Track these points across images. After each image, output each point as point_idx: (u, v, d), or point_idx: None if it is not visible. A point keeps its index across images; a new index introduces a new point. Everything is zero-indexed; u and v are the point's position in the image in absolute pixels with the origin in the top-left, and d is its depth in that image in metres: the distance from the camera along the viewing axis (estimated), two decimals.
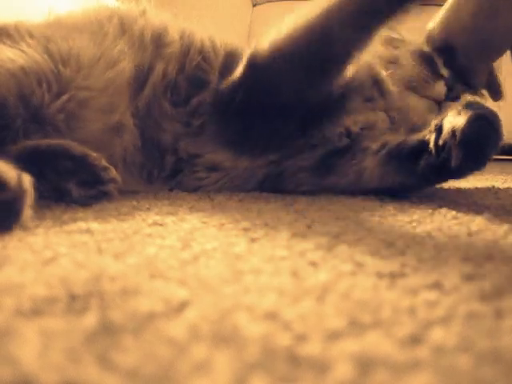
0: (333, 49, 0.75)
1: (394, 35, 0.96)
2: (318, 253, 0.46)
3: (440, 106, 0.89)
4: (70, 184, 0.66)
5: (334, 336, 0.29)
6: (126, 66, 0.78)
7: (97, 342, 0.28)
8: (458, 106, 0.72)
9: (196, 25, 0.89)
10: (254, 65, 0.78)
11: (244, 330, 0.30)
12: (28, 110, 0.69)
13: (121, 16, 0.83)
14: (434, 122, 0.73)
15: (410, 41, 0.97)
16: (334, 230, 0.54)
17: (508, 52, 0.94)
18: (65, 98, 0.71)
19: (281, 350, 0.28)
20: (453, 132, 0.68)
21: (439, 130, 0.71)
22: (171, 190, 0.83)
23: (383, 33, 0.82)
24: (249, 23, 2.36)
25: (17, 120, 0.68)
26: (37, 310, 0.32)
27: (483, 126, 0.68)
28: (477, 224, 0.59)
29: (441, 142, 0.70)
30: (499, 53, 0.94)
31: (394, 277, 0.39)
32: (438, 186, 0.84)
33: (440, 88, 0.89)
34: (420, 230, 0.55)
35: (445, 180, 0.80)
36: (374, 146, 0.81)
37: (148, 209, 0.65)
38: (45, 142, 0.69)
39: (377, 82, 0.88)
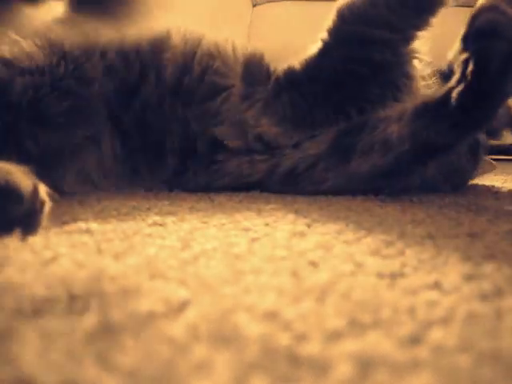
0: None
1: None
2: (318, 253, 0.46)
3: None
4: None
5: (334, 336, 0.29)
6: (109, 82, 0.81)
7: (97, 341, 0.28)
8: None
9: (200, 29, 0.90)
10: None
11: (244, 329, 0.30)
12: (36, 111, 0.73)
13: None
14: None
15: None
16: (334, 229, 0.54)
17: None
18: (67, 103, 0.75)
19: (281, 350, 0.28)
20: (465, 36, 0.68)
21: (465, 61, 0.69)
22: (171, 190, 0.83)
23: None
24: (249, 23, 2.36)
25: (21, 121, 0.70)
26: (37, 310, 0.32)
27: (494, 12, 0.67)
28: (477, 224, 0.59)
29: (463, 56, 0.68)
30: None
31: (394, 277, 0.39)
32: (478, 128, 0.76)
33: (442, 89, 0.87)
34: (420, 230, 0.55)
35: (484, 107, 0.71)
36: (395, 113, 0.76)
37: (148, 209, 0.65)
38: None
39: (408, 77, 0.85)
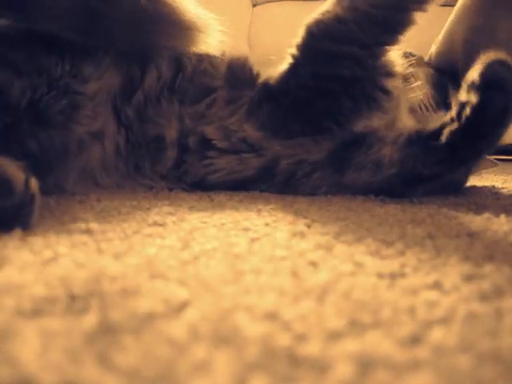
0: None
1: (411, 50, 0.95)
2: (318, 253, 0.46)
3: None
4: None
5: (334, 336, 0.29)
6: (111, 79, 0.82)
7: (97, 342, 0.28)
8: None
9: None
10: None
11: (244, 330, 0.30)
12: (35, 112, 0.73)
13: None
14: (455, 99, 0.72)
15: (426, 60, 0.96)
16: (334, 229, 0.54)
17: None
18: (65, 101, 0.75)
19: (281, 350, 0.28)
20: (471, 82, 0.68)
21: (462, 104, 0.70)
22: (171, 189, 0.83)
23: (401, 48, 0.83)
24: (249, 23, 2.36)
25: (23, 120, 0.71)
26: (37, 310, 0.32)
27: (502, 66, 0.67)
28: (477, 224, 0.59)
29: (462, 98, 0.69)
30: None
31: (394, 277, 0.39)
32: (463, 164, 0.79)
33: (436, 120, 0.86)
34: (420, 230, 0.55)
35: (472, 148, 0.75)
36: (392, 134, 0.79)
37: (148, 209, 0.65)
38: None
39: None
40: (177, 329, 0.30)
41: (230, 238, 0.51)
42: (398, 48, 0.82)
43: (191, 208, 0.67)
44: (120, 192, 0.79)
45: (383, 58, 0.82)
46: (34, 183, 0.52)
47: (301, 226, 0.56)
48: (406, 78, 0.89)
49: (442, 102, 0.90)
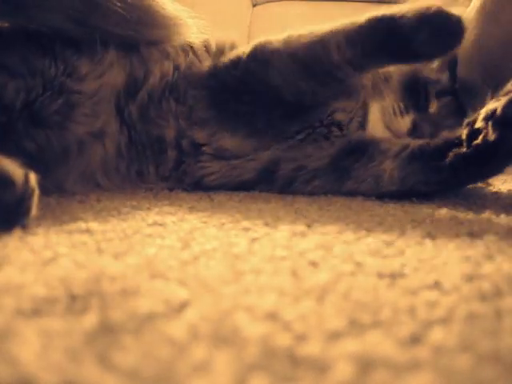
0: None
1: None
2: (318, 253, 0.46)
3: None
4: None
5: (334, 336, 0.29)
6: (114, 77, 0.82)
7: (97, 342, 0.28)
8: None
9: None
10: (259, 51, 0.81)
11: (244, 330, 0.30)
12: (30, 113, 0.72)
13: None
14: (466, 121, 0.71)
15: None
16: (334, 229, 0.54)
17: None
18: (60, 101, 0.75)
19: (281, 350, 0.28)
20: (492, 112, 0.66)
21: (472, 123, 0.69)
22: (171, 189, 0.83)
23: None
24: (249, 23, 2.36)
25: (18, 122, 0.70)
26: (37, 310, 0.32)
27: None
28: (477, 224, 0.59)
29: (477, 125, 0.68)
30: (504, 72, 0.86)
31: (393, 277, 0.39)
32: (464, 186, 0.79)
33: (403, 124, 0.86)
34: (420, 230, 0.55)
35: (474, 175, 0.75)
36: (395, 148, 0.78)
37: (148, 209, 0.65)
38: None
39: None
40: (177, 329, 0.30)
41: (230, 238, 0.51)
42: None
43: (191, 208, 0.67)
44: (120, 192, 0.79)
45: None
46: (33, 178, 0.53)
47: (301, 225, 0.56)
48: (384, 78, 0.88)
49: (413, 105, 0.87)
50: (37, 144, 0.74)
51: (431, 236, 0.52)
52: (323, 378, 0.25)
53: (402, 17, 0.70)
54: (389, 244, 0.49)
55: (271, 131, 0.84)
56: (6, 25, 0.78)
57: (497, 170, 0.73)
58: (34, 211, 0.52)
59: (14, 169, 0.52)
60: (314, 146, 0.83)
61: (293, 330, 0.30)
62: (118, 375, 0.25)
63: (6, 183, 0.50)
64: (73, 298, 0.34)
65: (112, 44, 0.82)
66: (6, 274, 0.38)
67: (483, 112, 0.68)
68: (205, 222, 0.58)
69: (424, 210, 0.68)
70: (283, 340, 0.29)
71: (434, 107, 0.87)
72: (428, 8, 0.69)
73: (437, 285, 0.38)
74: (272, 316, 0.32)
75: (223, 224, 0.57)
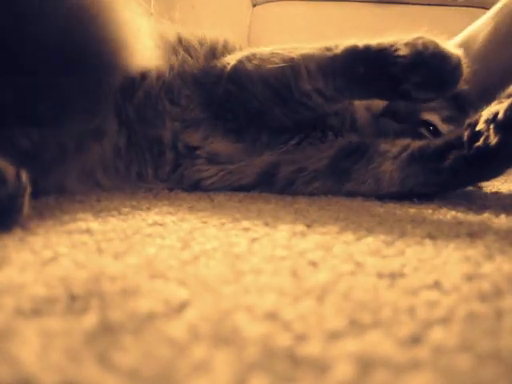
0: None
1: None
2: (318, 253, 0.46)
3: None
4: None
5: (334, 336, 0.29)
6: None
7: (97, 342, 0.28)
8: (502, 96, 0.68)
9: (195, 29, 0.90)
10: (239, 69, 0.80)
11: (244, 330, 0.30)
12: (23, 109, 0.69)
13: None
14: (467, 121, 0.71)
15: None
16: (334, 229, 0.54)
17: None
18: (52, 97, 0.71)
19: (281, 350, 0.28)
20: (493, 115, 0.65)
21: (473, 125, 0.69)
22: (171, 189, 0.83)
23: None
24: (249, 23, 2.37)
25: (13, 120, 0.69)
26: (37, 310, 0.32)
27: None
28: (477, 224, 0.59)
29: (478, 128, 0.67)
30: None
31: (393, 277, 0.39)
32: (464, 187, 0.80)
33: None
34: (420, 230, 0.55)
35: (474, 177, 0.75)
36: (394, 149, 0.78)
37: (148, 209, 0.65)
38: None
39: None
40: (177, 329, 0.30)
41: (230, 237, 0.51)
42: None
43: (191, 208, 0.67)
44: (120, 192, 0.79)
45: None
46: (24, 175, 0.52)
47: (301, 225, 0.56)
48: None
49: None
50: (32, 142, 0.71)
51: (431, 236, 0.52)
52: (323, 377, 0.25)
53: (397, 52, 0.66)
54: (389, 244, 0.49)
55: (260, 141, 0.83)
56: None
57: (498, 172, 0.73)
58: (26, 209, 0.52)
59: (6, 166, 0.51)
60: (313, 148, 0.82)
61: (293, 330, 0.30)
62: (118, 375, 0.25)
63: None
64: (73, 297, 0.34)
65: None
66: (6, 274, 0.38)
67: (485, 114, 0.67)
68: (205, 222, 0.58)
69: (424, 210, 0.68)
70: (283, 340, 0.29)
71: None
72: (425, 46, 0.65)
73: (437, 285, 0.38)
74: (272, 316, 0.32)
75: (223, 224, 0.57)
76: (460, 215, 0.64)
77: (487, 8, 1.03)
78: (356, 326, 0.31)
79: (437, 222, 0.60)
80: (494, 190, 0.90)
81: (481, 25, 0.94)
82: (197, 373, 0.25)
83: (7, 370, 0.24)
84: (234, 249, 0.47)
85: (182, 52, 0.87)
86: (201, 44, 0.88)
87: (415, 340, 0.29)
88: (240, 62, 0.81)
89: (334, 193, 0.79)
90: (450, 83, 0.67)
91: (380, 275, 0.40)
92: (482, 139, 0.67)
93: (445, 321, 0.32)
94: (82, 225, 0.53)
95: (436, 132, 0.86)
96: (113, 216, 0.60)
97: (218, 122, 0.84)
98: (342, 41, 0.73)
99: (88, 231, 0.52)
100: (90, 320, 0.30)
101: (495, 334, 0.30)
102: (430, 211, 0.66)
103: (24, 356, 0.26)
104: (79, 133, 0.76)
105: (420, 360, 0.27)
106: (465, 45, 0.88)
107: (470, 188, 0.84)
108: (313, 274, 0.40)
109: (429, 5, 2.24)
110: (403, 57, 0.66)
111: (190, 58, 0.87)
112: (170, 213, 0.63)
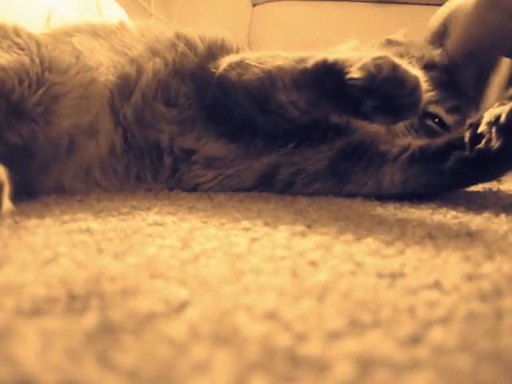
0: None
1: (396, 37, 0.93)
2: (318, 253, 0.46)
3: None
4: None
5: (334, 336, 0.29)
6: (105, 75, 0.79)
7: (97, 341, 0.28)
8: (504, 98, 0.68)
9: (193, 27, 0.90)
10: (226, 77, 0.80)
11: (244, 330, 0.30)
12: (9, 105, 0.68)
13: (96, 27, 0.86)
14: (468, 122, 0.70)
15: (414, 43, 0.92)
16: (334, 229, 0.54)
17: None
18: (41, 91, 0.70)
19: (281, 350, 0.28)
20: (496, 118, 0.65)
21: (475, 125, 0.68)
22: (171, 189, 0.83)
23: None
24: (249, 23, 2.37)
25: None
26: (37, 310, 0.31)
27: None
28: (477, 224, 0.59)
29: (480, 130, 0.67)
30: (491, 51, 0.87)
31: (393, 277, 0.39)
32: (465, 188, 0.80)
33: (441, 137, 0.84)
34: (420, 230, 0.55)
35: (476, 178, 0.75)
36: (394, 149, 0.77)
37: (148, 209, 0.65)
38: None
39: None
40: (177, 329, 0.30)
41: (230, 237, 0.51)
42: None
43: (191, 208, 0.67)
44: (120, 192, 0.79)
45: None
46: (2, 171, 0.52)
47: (301, 225, 0.56)
48: None
49: None
50: (23, 138, 0.69)
51: (431, 236, 0.52)
52: (323, 377, 0.25)
53: (349, 75, 0.63)
54: (389, 244, 0.49)
55: (255, 145, 0.83)
56: None
57: (500, 173, 0.73)
58: (6, 205, 0.52)
59: None
60: (311, 149, 0.82)
61: (293, 330, 0.30)
62: (118, 375, 0.25)
63: None
64: (73, 297, 0.34)
65: None
66: (6, 274, 0.38)
67: (487, 116, 0.67)
68: (205, 222, 0.58)
69: (424, 209, 0.68)
70: (283, 340, 0.29)
71: None
72: (379, 69, 0.61)
73: (437, 285, 0.38)
74: (272, 316, 0.32)
75: (223, 224, 0.57)
76: (460, 215, 0.64)
77: None
78: (356, 326, 0.31)
79: (437, 222, 0.60)
80: (493, 190, 0.90)
81: None
82: (197, 373, 0.25)
83: (7, 370, 0.24)
84: (234, 249, 0.47)
85: (181, 45, 0.86)
86: (201, 40, 0.88)
87: (415, 340, 0.29)
88: (226, 70, 0.80)
89: (334, 194, 0.79)
90: (406, 109, 0.64)
91: (380, 275, 0.40)
92: (483, 141, 0.67)
93: (445, 321, 0.32)
94: (82, 224, 0.53)
95: (442, 124, 0.86)
96: (113, 216, 0.60)
97: (211, 124, 0.83)
98: (317, 53, 0.72)
99: (88, 231, 0.52)
100: (90, 320, 0.30)
101: (495, 334, 0.30)
102: (430, 211, 0.66)
103: (24, 356, 0.26)
104: (69, 127, 0.74)
105: (420, 360, 0.27)
106: (455, 13, 0.88)
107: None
108: (313, 273, 0.40)
109: (428, 5, 2.24)
110: (357, 79, 0.63)
111: (189, 52, 0.86)
112: (170, 213, 0.62)
